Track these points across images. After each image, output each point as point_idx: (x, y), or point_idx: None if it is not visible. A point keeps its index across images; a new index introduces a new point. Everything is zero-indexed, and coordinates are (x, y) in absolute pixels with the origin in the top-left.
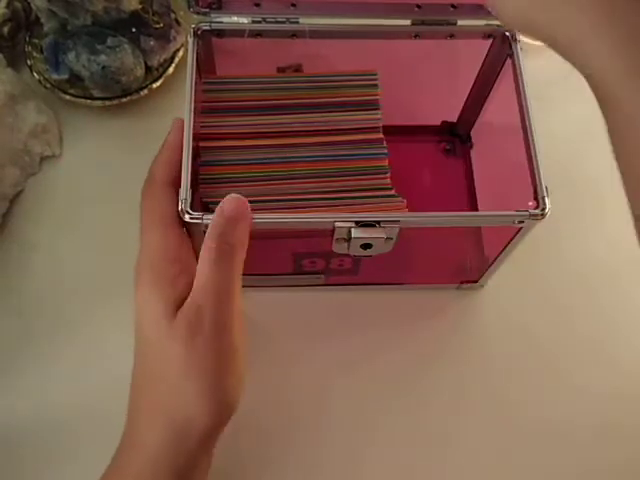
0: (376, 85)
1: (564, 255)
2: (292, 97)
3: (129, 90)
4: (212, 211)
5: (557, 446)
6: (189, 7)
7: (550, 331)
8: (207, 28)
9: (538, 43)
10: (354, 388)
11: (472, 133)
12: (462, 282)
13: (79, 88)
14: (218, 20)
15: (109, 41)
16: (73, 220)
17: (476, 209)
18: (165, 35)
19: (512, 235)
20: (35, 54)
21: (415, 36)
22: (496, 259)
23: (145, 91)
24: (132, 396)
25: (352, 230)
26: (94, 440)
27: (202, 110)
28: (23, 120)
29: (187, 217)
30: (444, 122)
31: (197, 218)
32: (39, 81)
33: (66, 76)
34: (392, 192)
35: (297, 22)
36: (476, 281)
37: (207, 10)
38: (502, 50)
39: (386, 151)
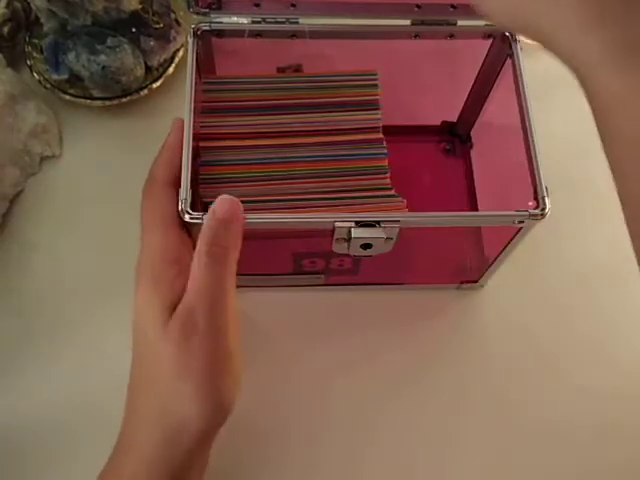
0: (376, 85)
1: (564, 255)
2: (292, 97)
3: (129, 90)
4: None
5: (557, 446)
6: (189, 7)
7: (550, 331)
8: (207, 28)
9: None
10: (354, 388)
11: (472, 133)
12: (462, 282)
13: (79, 88)
14: (218, 20)
15: (109, 41)
16: (73, 220)
17: (476, 209)
18: (165, 35)
19: (512, 235)
20: (35, 54)
21: (415, 36)
22: (496, 259)
23: (145, 91)
24: (129, 397)
25: (352, 230)
26: (94, 440)
27: (202, 110)
28: (23, 120)
29: (187, 217)
30: (444, 122)
31: (197, 218)
32: (39, 81)
33: (66, 76)
34: (392, 192)
35: (297, 22)
36: (476, 281)
37: (207, 10)
38: (502, 50)
39: (386, 151)
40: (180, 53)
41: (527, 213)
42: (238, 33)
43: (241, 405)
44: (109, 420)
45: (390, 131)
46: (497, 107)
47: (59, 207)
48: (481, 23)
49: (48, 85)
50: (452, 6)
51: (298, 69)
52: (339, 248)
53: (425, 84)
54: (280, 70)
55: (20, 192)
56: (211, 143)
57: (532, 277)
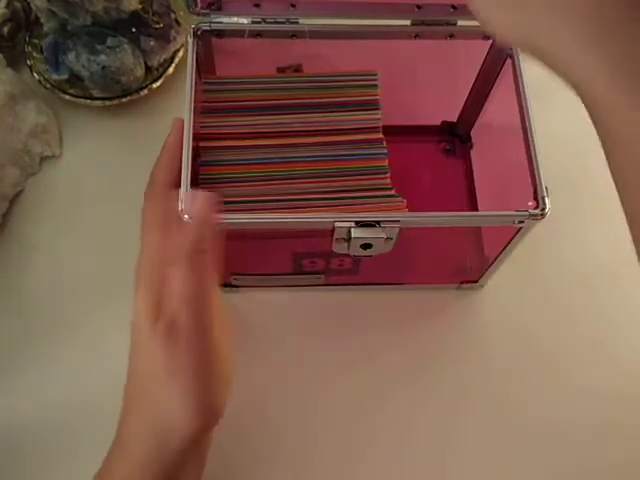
0: (376, 85)
1: (564, 255)
2: (292, 97)
3: (129, 90)
4: None
5: (557, 446)
6: (188, 8)
7: (550, 331)
8: (207, 28)
9: None
10: (354, 388)
11: (472, 133)
12: (462, 282)
13: (79, 88)
14: (218, 20)
15: (109, 41)
16: (73, 220)
17: (476, 209)
18: (165, 35)
19: (512, 235)
20: (35, 54)
21: (415, 36)
22: (496, 259)
23: (145, 91)
24: (124, 398)
25: (352, 230)
26: (94, 440)
27: (202, 110)
28: (23, 120)
29: (187, 217)
30: (444, 122)
31: None
32: (39, 81)
33: (66, 76)
34: (392, 192)
35: (297, 22)
36: (476, 281)
37: (207, 12)
38: (502, 50)
39: (386, 151)
40: (180, 53)
41: (527, 213)
42: (238, 33)
43: (240, 404)
44: (109, 420)
45: (390, 131)
46: (497, 107)
47: (59, 207)
48: None
49: (48, 85)
50: (452, 7)
51: (298, 69)
52: (339, 248)
53: (425, 84)
54: (280, 70)
55: (20, 192)
56: (211, 143)
57: (532, 277)
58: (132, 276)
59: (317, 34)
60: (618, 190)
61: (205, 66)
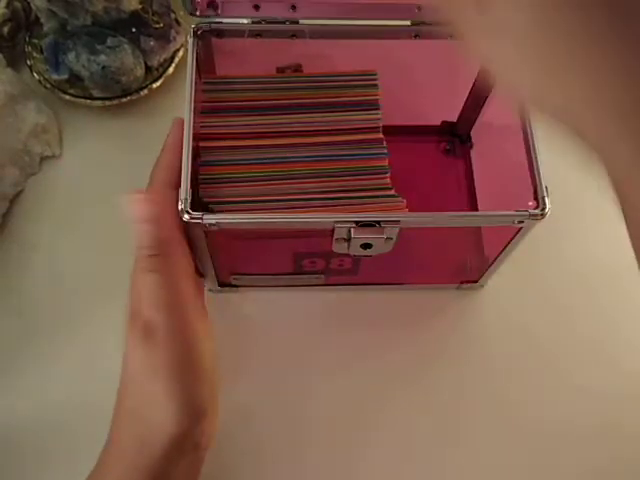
0: (376, 85)
1: (564, 255)
2: (292, 97)
3: (129, 90)
4: (212, 211)
5: (557, 446)
6: (187, 10)
7: (550, 331)
8: (207, 28)
9: None
10: (354, 388)
11: (472, 133)
12: (462, 282)
13: (79, 88)
14: (218, 20)
15: (109, 41)
16: (73, 220)
17: (476, 209)
18: (165, 35)
19: (512, 235)
20: (35, 54)
21: (415, 36)
22: (496, 259)
23: (145, 91)
24: (116, 399)
25: (352, 230)
26: (94, 440)
27: (202, 110)
28: (23, 120)
29: (187, 217)
30: (444, 122)
31: (197, 218)
32: (39, 81)
33: (66, 76)
34: (392, 192)
35: (297, 22)
36: (476, 281)
37: (205, 14)
38: None
39: (386, 151)
40: (180, 53)
41: (527, 213)
42: (238, 33)
43: (240, 404)
44: (109, 420)
45: (390, 131)
46: (497, 107)
47: (59, 207)
48: None
49: (48, 85)
50: None
51: (298, 69)
52: (339, 248)
53: (425, 84)
54: (280, 70)
55: (20, 192)
56: (211, 143)
57: (532, 277)
58: None
59: (317, 34)
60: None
61: (205, 66)
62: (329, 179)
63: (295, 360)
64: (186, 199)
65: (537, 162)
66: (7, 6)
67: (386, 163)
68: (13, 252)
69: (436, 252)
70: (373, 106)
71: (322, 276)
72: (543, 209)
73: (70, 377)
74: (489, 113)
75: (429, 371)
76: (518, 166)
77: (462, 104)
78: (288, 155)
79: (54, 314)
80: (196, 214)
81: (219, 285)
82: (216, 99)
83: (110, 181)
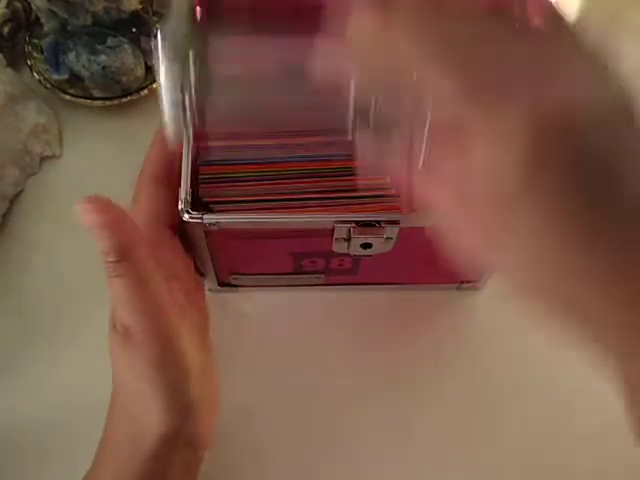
0: None
1: None
2: None
3: (129, 90)
4: (212, 211)
5: (557, 446)
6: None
7: (550, 331)
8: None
9: None
10: (353, 388)
11: None
12: (462, 282)
13: (79, 88)
14: None
15: (109, 41)
16: (73, 220)
17: None
18: None
19: None
20: (35, 54)
21: None
22: None
23: (145, 91)
24: (110, 400)
25: (352, 230)
26: (94, 440)
27: None
28: (23, 120)
29: (187, 217)
30: None
31: (197, 218)
32: (39, 81)
33: (66, 76)
34: (392, 192)
35: None
36: (476, 281)
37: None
38: None
39: None
40: None
41: None
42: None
43: (240, 404)
44: None
45: None
46: None
47: (59, 207)
48: None
49: (48, 85)
50: None
51: None
52: (339, 248)
53: None
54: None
55: (20, 192)
56: (212, 142)
57: None
58: None
59: None
60: None
61: None
62: (329, 178)
63: (295, 360)
64: (186, 199)
65: None
66: (7, 6)
67: None
68: (13, 252)
69: (436, 252)
70: None
71: (322, 276)
72: None
73: (70, 377)
74: None
75: (429, 371)
76: None
77: None
78: (288, 154)
79: (54, 314)
80: (196, 214)
81: (219, 285)
82: None
83: (110, 181)
